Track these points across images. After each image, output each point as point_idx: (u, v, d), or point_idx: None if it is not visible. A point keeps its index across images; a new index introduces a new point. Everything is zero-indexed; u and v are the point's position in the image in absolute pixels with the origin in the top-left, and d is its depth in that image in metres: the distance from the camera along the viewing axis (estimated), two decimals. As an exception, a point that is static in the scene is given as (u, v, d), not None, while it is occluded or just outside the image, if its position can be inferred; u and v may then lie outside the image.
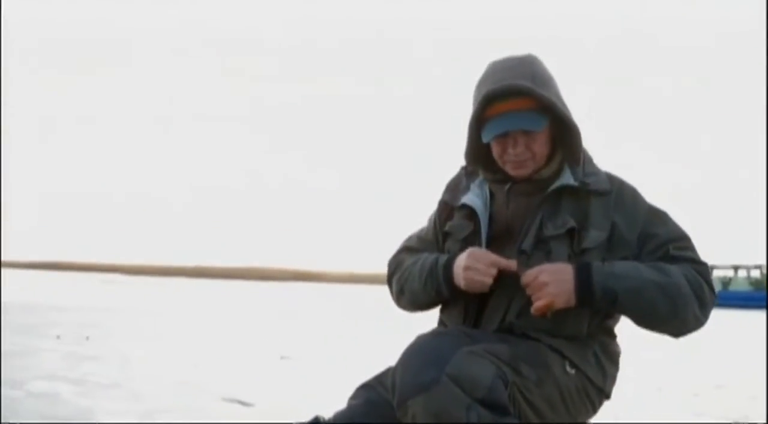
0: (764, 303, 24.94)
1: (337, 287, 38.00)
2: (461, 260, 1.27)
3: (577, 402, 1.24)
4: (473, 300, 1.29)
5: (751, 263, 29.52)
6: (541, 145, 1.30)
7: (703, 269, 1.27)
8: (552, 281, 1.19)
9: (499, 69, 1.30)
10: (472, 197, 1.36)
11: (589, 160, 1.36)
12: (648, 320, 1.24)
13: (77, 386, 3.45)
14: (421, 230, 1.48)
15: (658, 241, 1.27)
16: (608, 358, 1.29)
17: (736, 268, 29.63)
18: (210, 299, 16.75)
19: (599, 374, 1.27)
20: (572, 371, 1.23)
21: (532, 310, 1.21)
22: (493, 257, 1.25)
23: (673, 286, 1.21)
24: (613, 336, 1.34)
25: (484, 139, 1.29)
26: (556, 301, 1.19)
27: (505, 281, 1.25)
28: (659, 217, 1.31)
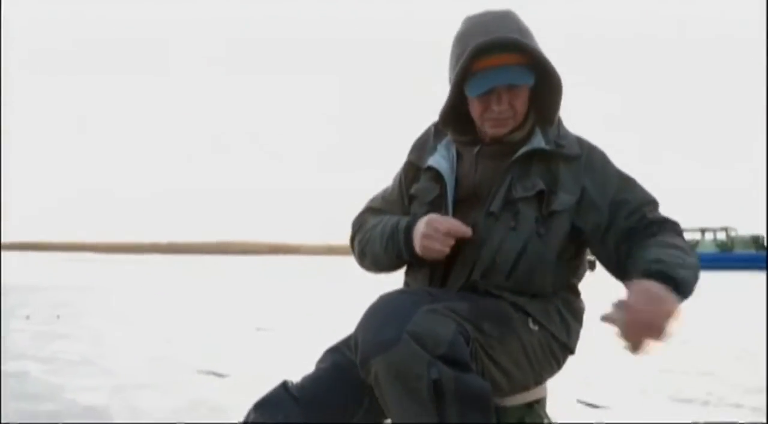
0: (730, 265, 25.66)
1: (314, 259, 37.98)
2: (420, 226, 1.25)
3: (541, 358, 1.25)
4: (438, 262, 1.28)
5: (717, 225, 30.25)
6: (523, 103, 1.27)
7: (680, 228, 1.29)
8: (654, 318, 1.06)
9: (484, 22, 1.25)
10: (439, 159, 1.34)
11: (560, 122, 1.34)
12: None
13: (47, 365, 3.41)
14: (386, 191, 1.45)
15: (631, 206, 1.27)
16: (572, 314, 1.30)
17: (703, 231, 30.34)
18: (185, 274, 16.62)
19: (563, 331, 1.28)
20: (535, 328, 1.24)
21: (632, 351, 1.09)
22: (451, 224, 1.23)
23: (697, 264, 1.22)
24: (577, 293, 1.35)
25: (471, 94, 1.25)
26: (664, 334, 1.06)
27: (471, 241, 1.25)
28: (629, 182, 1.30)
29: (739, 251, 27.95)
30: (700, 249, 29.53)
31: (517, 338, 1.21)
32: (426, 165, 1.35)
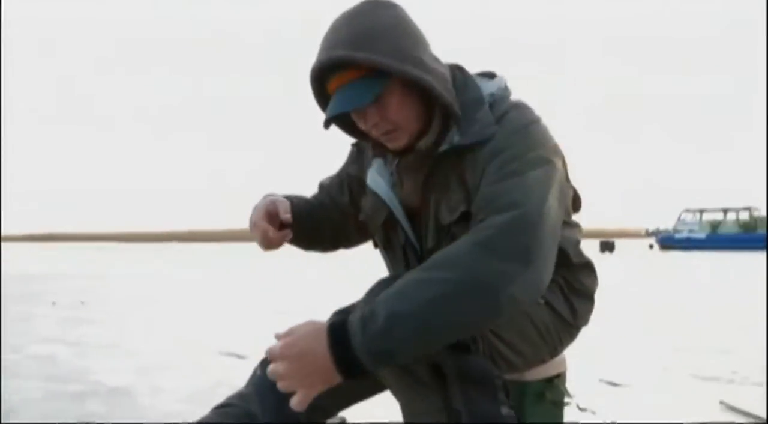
0: (754, 245, 25.27)
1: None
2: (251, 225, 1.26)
3: (552, 331, 1.23)
4: (407, 248, 1.23)
5: (740, 205, 29.80)
6: (397, 111, 1.09)
7: (488, 242, 0.99)
8: (295, 373, 0.95)
9: (325, 36, 1.10)
10: (376, 178, 1.22)
11: (494, 104, 1.13)
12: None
13: (74, 348, 3.48)
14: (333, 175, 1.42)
15: (476, 204, 1.07)
16: (574, 292, 1.26)
17: (725, 211, 29.91)
18: (205, 261, 16.79)
19: (566, 308, 1.24)
20: (542, 302, 1.20)
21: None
22: (260, 219, 1.23)
23: (458, 281, 0.95)
24: (580, 269, 1.28)
25: (325, 127, 1.12)
26: (308, 392, 0.95)
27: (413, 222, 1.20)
28: (508, 178, 1.05)
29: (762, 231, 27.53)
30: (723, 230, 29.19)
31: (525, 312, 1.17)
32: (367, 182, 1.26)
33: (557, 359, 1.44)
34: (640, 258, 17.64)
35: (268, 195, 1.33)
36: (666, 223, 31.67)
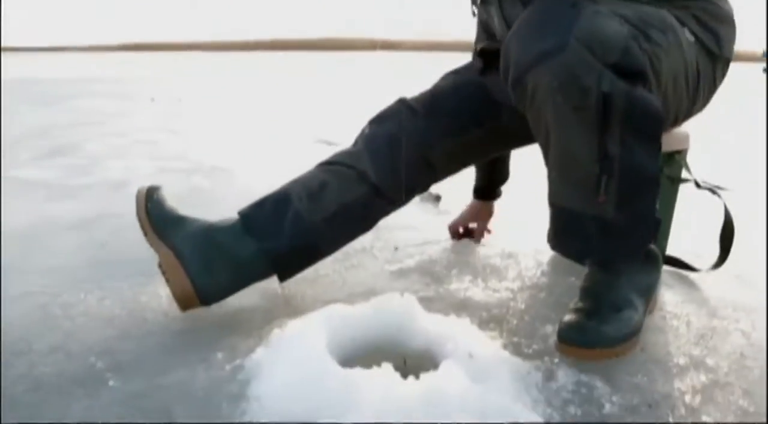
0: None
1: (416, 55, 37.12)
2: None
3: (696, 78, 1.11)
4: None
5: None
6: None
7: None
8: None
9: None
10: None
11: None
12: None
13: (175, 135, 3.67)
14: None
15: None
16: (716, 16, 1.13)
17: None
18: (289, 69, 16.83)
19: (712, 40, 1.12)
20: (691, 39, 1.09)
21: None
22: None
23: None
24: None
25: None
26: None
27: None
28: None
29: None
30: None
31: (680, 49, 1.06)
32: None
33: (681, 134, 1.36)
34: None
35: None
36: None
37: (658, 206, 1.04)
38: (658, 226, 1.05)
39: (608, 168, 0.95)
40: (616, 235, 1.01)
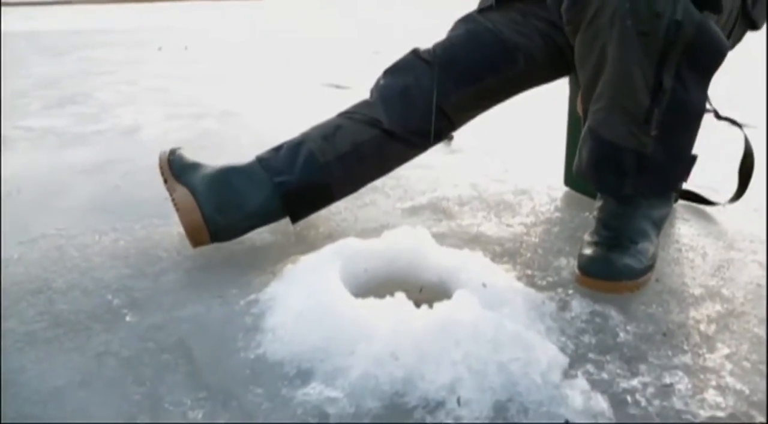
0: None
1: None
2: None
3: (732, 21, 1.06)
4: None
5: None
6: None
7: None
8: None
9: None
10: None
11: None
12: None
13: (183, 81, 3.63)
14: None
15: None
16: None
17: None
18: (298, 6, 16.49)
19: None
20: None
21: None
22: None
23: None
24: None
25: None
26: None
27: None
28: None
29: None
30: None
31: None
32: None
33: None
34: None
35: None
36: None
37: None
38: (693, 163, 1.02)
39: (659, 101, 0.92)
40: (652, 170, 0.99)
